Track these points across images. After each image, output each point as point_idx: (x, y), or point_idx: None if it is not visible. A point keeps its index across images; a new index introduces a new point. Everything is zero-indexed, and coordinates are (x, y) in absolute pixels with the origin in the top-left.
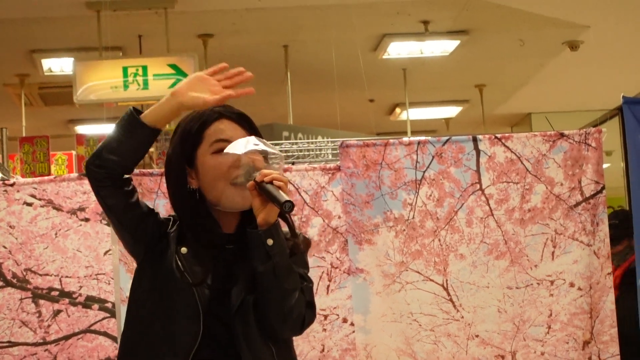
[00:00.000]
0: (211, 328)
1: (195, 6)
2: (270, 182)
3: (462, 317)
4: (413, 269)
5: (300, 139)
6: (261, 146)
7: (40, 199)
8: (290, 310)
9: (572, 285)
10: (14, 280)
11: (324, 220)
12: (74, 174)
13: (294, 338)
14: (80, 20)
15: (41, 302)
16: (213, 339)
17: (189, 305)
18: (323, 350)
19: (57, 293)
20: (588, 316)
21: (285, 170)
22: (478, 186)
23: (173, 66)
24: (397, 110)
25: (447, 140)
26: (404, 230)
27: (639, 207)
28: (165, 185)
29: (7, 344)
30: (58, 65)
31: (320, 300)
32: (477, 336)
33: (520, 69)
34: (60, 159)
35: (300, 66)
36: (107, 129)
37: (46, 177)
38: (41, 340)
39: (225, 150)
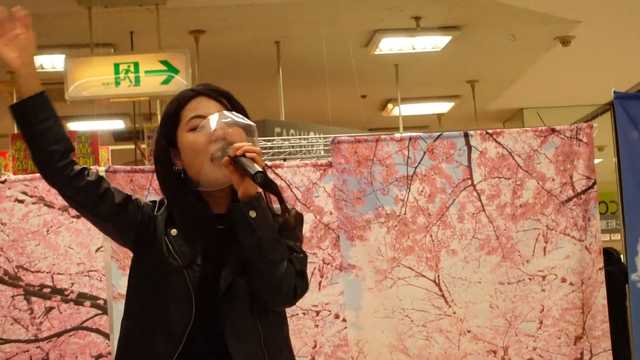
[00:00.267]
0: (203, 310)
1: (186, 2)
2: (244, 155)
3: (454, 312)
4: (405, 264)
5: (292, 135)
6: (232, 119)
7: (31, 196)
8: (279, 281)
9: (563, 280)
10: (6, 278)
11: (315, 217)
12: None
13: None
14: (71, 16)
15: (33, 299)
16: (205, 321)
17: (181, 288)
18: (315, 346)
19: (49, 290)
20: (580, 311)
21: (277, 166)
22: (469, 182)
23: (165, 62)
24: (389, 106)
25: (439, 136)
26: (396, 226)
27: (630, 203)
28: (157, 181)
29: None
30: (49, 62)
31: (312, 297)
32: (469, 332)
33: (511, 65)
34: None
35: (291, 62)
36: (98, 126)
37: (37, 174)
38: (33, 337)
39: (198, 127)
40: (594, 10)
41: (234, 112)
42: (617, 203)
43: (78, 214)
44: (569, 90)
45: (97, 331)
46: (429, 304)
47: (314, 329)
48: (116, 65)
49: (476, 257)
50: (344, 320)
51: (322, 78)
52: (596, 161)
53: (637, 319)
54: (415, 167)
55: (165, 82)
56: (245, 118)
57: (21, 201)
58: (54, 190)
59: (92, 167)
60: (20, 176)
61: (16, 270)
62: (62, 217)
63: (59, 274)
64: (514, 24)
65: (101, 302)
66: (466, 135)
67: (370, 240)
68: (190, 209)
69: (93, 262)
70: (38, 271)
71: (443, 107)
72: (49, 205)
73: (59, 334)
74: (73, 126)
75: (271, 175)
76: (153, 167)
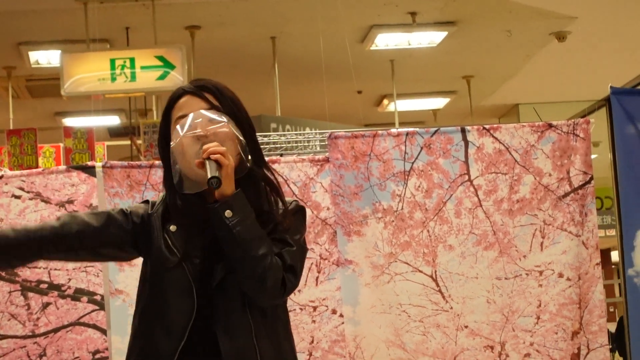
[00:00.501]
0: (202, 305)
1: None
2: (209, 157)
3: (451, 308)
4: (402, 260)
5: (288, 130)
6: (204, 118)
7: (28, 192)
8: (262, 276)
9: (561, 275)
10: (3, 273)
11: (312, 212)
12: (62, 167)
13: None
14: (67, 12)
15: (30, 294)
16: (204, 316)
17: (181, 282)
18: (312, 341)
19: (46, 286)
20: (577, 306)
21: (274, 162)
22: (467, 177)
23: (160, 58)
24: (385, 101)
25: (436, 132)
26: (393, 221)
27: (626, 198)
28: (153, 177)
29: None
30: (45, 58)
31: (310, 292)
32: (466, 327)
33: (507, 60)
34: (48, 152)
35: (287, 58)
36: (94, 122)
37: (34, 170)
38: (30, 333)
39: (173, 132)
40: (590, 6)
41: (209, 110)
42: (613, 199)
43: (75, 209)
44: (565, 85)
45: (94, 327)
46: (426, 300)
47: (311, 325)
48: (112, 61)
49: (473, 253)
50: (341, 315)
51: (317, 74)
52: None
53: (634, 314)
54: (413, 163)
55: (161, 77)
56: (217, 115)
57: (18, 197)
58: (50, 186)
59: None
60: (17, 172)
61: None
62: (59, 212)
63: (56, 269)
64: (510, 20)
65: (98, 297)
66: (463, 131)
67: (367, 236)
68: (185, 205)
69: None
70: (35, 267)
71: (439, 102)
72: (46, 201)
73: (56, 330)
74: (69, 122)
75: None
76: (150, 162)
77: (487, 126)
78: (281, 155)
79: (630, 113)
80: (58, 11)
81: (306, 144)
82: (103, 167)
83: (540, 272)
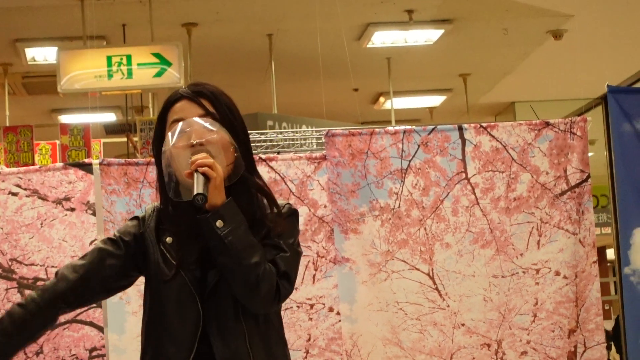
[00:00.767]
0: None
1: None
2: (197, 170)
3: (448, 306)
4: (399, 258)
5: (284, 128)
6: (196, 126)
7: (25, 189)
8: (255, 284)
9: (557, 273)
10: (0, 271)
11: (310, 210)
12: (59, 164)
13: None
14: (64, 9)
15: (27, 292)
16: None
17: (183, 292)
18: (309, 339)
19: (42, 283)
20: (574, 305)
21: (271, 159)
22: (464, 175)
23: (157, 55)
24: (381, 99)
25: (433, 130)
26: (390, 219)
27: (622, 196)
28: (150, 174)
29: None
30: (42, 55)
31: (307, 290)
32: (463, 325)
33: (504, 58)
34: (44, 149)
35: (284, 55)
36: (90, 119)
37: (31, 167)
38: None
39: (164, 140)
40: (587, 4)
41: (199, 119)
42: (609, 197)
43: (72, 206)
44: (561, 84)
45: (91, 324)
46: (422, 297)
47: (308, 322)
48: (109, 58)
49: (470, 251)
50: (338, 313)
51: (314, 71)
52: None
53: (630, 313)
54: (410, 161)
55: (158, 74)
56: (213, 124)
57: (15, 194)
58: (47, 183)
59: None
60: (14, 169)
61: (10, 263)
62: (56, 210)
63: (52, 266)
64: (507, 18)
65: None
66: (460, 129)
67: (364, 234)
68: (177, 213)
69: None
70: (32, 264)
71: (435, 100)
72: (43, 198)
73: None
74: (65, 119)
75: (265, 169)
76: (147, 160)
77: (484, 124)
78: (278, 152)
79: (627, 111)
80: (55, 8)
81: (303, 141)
82: (100, 164)
83: (537, 270)
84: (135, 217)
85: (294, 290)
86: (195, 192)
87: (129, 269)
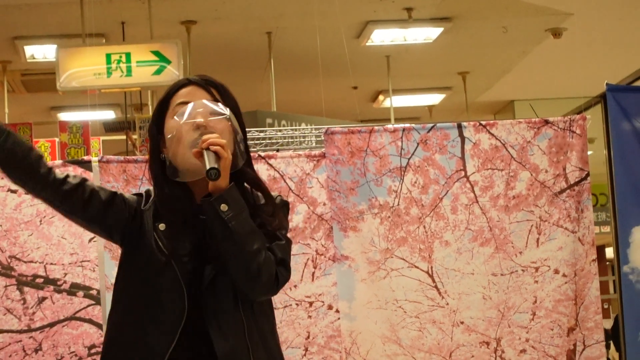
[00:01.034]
0: (194, 304)
1: None
2: (208, 147)
3: (447, 304)
4: (398, 255)
5: (283, 126)
6: (205, 110)
7: None
8: (257, 271)
9: (556, 272)
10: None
11: (309, 207)
12: (58, 161)
13: (278, 323)
14: (63, 6)
15: (26, 289)
16: (196, 315)
17: (172, 282)
18: (308, 337)
19: (41, 280)
20: (573, 303)
21: (270, 157)
22: (463, 173)
23: (156, 53)
24: (381, 97)
25: (432, 127)
26: (389, 217)
27: (622, 195)
28: (149, 172)
29: None
30: (41, 52)
31: (305, 287)
32: (462, 323)
33: (503, 57)
34: (43, 146)
35: (283, 53)
36: (90, 116)
37: None
38: (26, 328)
39: (175, 115)
40: (586, 3)
41: (212, 102)
42: (607, 195)
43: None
44: (560, 82)
45: (90, 321)
46: (422, 295)
47: (307, 320)
48: (108, 56)
49: (469, 249)
50: (337, 311)
51: (313, 69)
52: None
53: (629, 311)
54: (409, 158)
55: (157, 72)
56: (221, 107)
57: (14, 191)
58: None
59: (83, 157)
60: None
61: (9, 260)
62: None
63: (52, 264)
64: (506, 16)
65: (94, 292)
66: (459, 127)
67: (363, 231)
68: (171, 198)
69: (86, 252)
70: (31, 261)
71: (434, 98)
72: None
73: (51, 324)
74: (64, 116)
75: (264, 166)
76: (146, 157)
77: (483, 122)
78: (277, 150)
79: (626, 109)
80: (54, 5)
81: (302, 139)
82: (99, 161)
83: (536, 269)
84: (139, 194)
85: (293, 288)
86: (208, 167)
87: (117, 229)
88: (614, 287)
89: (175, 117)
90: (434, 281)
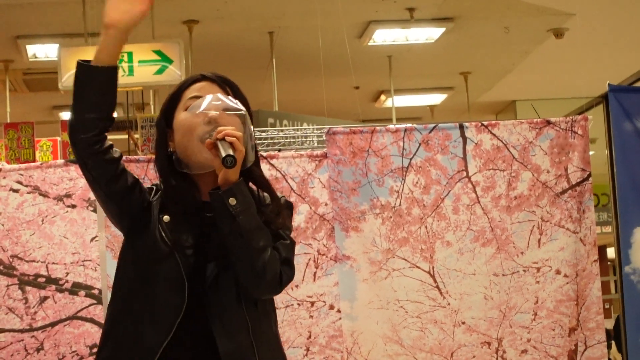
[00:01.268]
0: (192, 300)
1: None
2: (224, 138)
3: (449, 304)
4: (400, 256)
5: (285, 125)
6: (223, 102)
7: (26, 186)
8: (262, 269)
9: (558, 272)
10: (0, 267)
11: (310, 207)
12: (60, 161)
13: (279, 323)
14: (65, 6)
15: (28, 288)
16: (193, 312)
17: (172, 275)
18: (310, 337)
19: (43, 279)
20: (574, 303)
21: (272, 157)
22: (464, 173)
23: (158, 52)
24: (382, 97)
25: (434, 128)
26: (391, 217)
27: (623, 195)
28: (151, 171)
29: None
30: (43, 51)
31: (307, 287)
32: (463, 323)
33: (505, 57)
34: (45, 145)
35: (285, 53)
36: None
37: (32, 164)
38: (28, 327)
39: (189, 107)
40: (588, 3)
41: (229, 97)
42: (609, 196)
43: (73, 203)
44: (562, 82)
45: (92, 321)
46: (423, 295)
47: (309, 320)
48: None
49: (471, 249)
50: (339, 311)
51: (315, 69)
52: None
53: (630, 312)
54: (411, 159)
55: (159, 72)
56: (238, 103)
57: (16, 190)
58: (48, 180)
59: None
60: (15, 165)
61: (11, 259)
62: (57, 206)
63: (53, 263)
64: (508, 16)
65: (96, 291)
66: (461, 127)
67: (365, 232)
68: (176, 191)
69: (88, 251)
70: (33, 260)
71: (436, 98)
72: (44, 195)
73: (53, 324)
74: (66, 116)
75: (266, 166)
76: (148, 157)
77: (485, 123)
78: (279, 150)
79: (628, 110)
80: (56, 4)
81: (304, 139)
82: None
83: (538, 269)
84: (150, 187)
85: (295, 288)
86: (224, 154)
87: (128, 214)
88: (615, 288)
89: (187, 110)
90: (435, 281)
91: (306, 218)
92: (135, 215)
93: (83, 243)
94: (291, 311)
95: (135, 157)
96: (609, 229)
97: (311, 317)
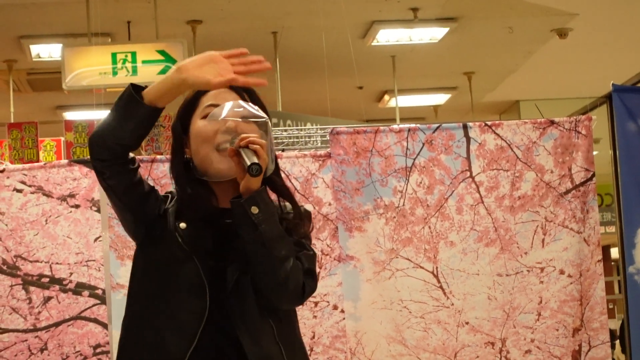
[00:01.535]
0: (213, 306)
1: None
2: (247, 146)
3: (452, 304)
4: (403, 256)
5: (289, 126)
6: (244, 109)
7: (30, 186)
8: (284, 279)
9: (562, 272)
10: (4, 267)
11: (314, 207)
12: (64, 161)
13: None
14: (69, 6)
15: (31, 288)
16: (215, 318)
17: (193, 281)
18: (313, 337)
19: (47, 280)
20: (578, 303)
21: (276, 157)
22: (468, 173)
23: (162, 52)
24: (386, 97)
25: (438, 128)
26: (394, 217)
27: (628, 195)
28: (155, 171)
29: None
30: (46, 51)
31: None
32: (467, 323)
33: (508, 57)
34: (49, 145)
35: (288, 53)
36: (95, 115)
37: (36, 164)
38: (31, 327)
39: (209, 115)
40: (591, 3)
41: (249, 104)
42: (613, 196)
43: (77, 203)
44: (566, 82)
45: (96, 321)
46: (427, 296)
47: (312, 320)
48: (113, 55)
49: (474, 249)
50: (342, 311)
51: (318, 69)
52: None
53: (634, 312)
54: (414, 159)
55: (163, 72)
56: (259, 110)
57: (20, 190)
58: (52, 180)
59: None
60: (19, 165)
61: (14, 259)
62: (60, 206)
63: (57, 263)
64: (511, 16)
65: (99, 291)
66: (465, 127)
67: (368, 232)
68: (193, 199)
69: (91, 251)
70: (36, 261)
71: (439, 98)
72: (48, 195)
73: (57, 324)
74: (70, 116)
75: None
76: (151, 157)
77: (489, 122)
78: (283, 150)
79: (632, 110)
80: (60, 4)
81: (307, 139)
82: None
83: (542, 269)
84: (166, 195)
85: None
86: (249, 163)
87: (144, 222)
88: (619, 288)
89: (207, 118)
90: (439, 281)
91: None
92: (151, 223)
93: (87, 243)
94: None
95: (139, 157)
96: (612, 229)
97: (315, 317)
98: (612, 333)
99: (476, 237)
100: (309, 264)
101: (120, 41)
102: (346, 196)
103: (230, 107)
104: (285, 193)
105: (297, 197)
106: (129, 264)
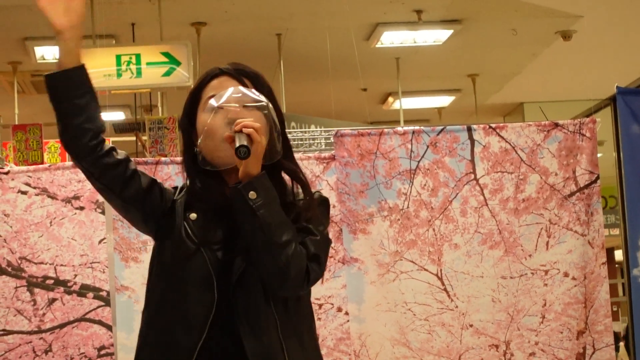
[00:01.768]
0: (222, 298)
1: None
2: (241, 130)
3: (457, 306)
4: (407, 258)
5: (293, 128)
6: (243, 95)
7: (35, 187)
8: (285, 265)
9: (566, 275)
10: (9, 269)
11: None
12: (69, 162)
13: None
14: None
15: (36, 290)
16: (224, 310)
17: (201, 273)
18: (318, 339)
19: (52, 281)
20: (582, 306)
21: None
22: (472, 176)
23: (166, 54)
24: (390, 99)
25: (442, 130)
26: (399, 219)
27: (632, 198)
28: (160, 173)
29: (2, 333)
30: (51, 53)
31: (315, 289)
32: (471, 326)
33: (512, 59)
34: (53, 147)
35: (292, 54)
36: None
37: (41, 166)
38: (36, 329)
39: (207, 104)
40: (596, 5)
41: (249, 89)
42: (617, 198)
43: (82, 205)
44: (570, 84)
45: (100, 323)
46: (431, 298)
47: (317, 322)
48: (118, 57)
49: (479, 252)
50: (347, 313)
51: (323, 71)
52: None
53: (638, 314)
54: (419, 161)
55: (167, 74)
56: (260, 95)
57: (24, 192)
58: (57, 182)
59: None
60: (24, 167)
61: (19, 261)
62: (65, 208)
63: (62, 265)
64: (516, 18)
65: (104, 293)
66: (469, 129)
67: (373, 234)
68: (203, 188)
69: (96, 253)
70: (41, 262)
71: (444, 100)
72: (52, 197)
73: (61, 326)
74: None
75: None
76: (156, 159)
77: (493, 125)
78: None
79: (636, 112)
80: None
81: (312, 141)
82: None
83: (546, 272)
84: (176, 187)
85: None
86: (237, 145)
87: (152, 217)
88: (623, 290)
89: (205, 109)
90: (443, 284)
91: None
92: (159, 217)
93: (91, 245)
94: None
95: (143, 159)
96: (617, 231)
97: (319, 319)
98: (616, 335)
99: (480, 239)
100: (316, 249)
101: (124, 43)
102: (350, 198)
103: (228, 94)
104: (296, 176)
105: None
106: (133, 266)
